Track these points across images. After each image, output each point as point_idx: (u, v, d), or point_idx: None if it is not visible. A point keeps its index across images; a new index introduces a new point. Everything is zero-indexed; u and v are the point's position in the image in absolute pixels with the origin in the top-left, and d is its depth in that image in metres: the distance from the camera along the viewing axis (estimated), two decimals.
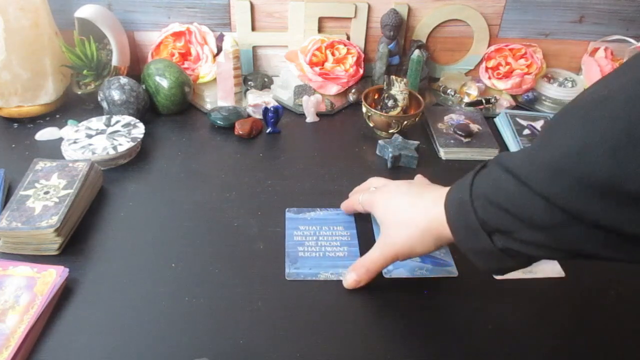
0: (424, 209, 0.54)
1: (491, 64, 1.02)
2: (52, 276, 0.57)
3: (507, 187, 0.43)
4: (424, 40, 1.03)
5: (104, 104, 0.86)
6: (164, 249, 0.65)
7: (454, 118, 0.92)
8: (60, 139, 0.82)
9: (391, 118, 0.85)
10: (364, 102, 0.87)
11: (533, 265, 0.64)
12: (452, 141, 0.86)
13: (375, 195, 0.62)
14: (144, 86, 0.90)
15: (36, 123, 0.87)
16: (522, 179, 0.41)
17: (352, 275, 0.59)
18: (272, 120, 0.87)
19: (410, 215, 0.55)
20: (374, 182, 0.69)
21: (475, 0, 0.99)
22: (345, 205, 0.70)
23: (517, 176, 0.42)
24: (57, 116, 0.90)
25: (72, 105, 0.93)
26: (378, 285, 0.61)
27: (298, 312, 0.57)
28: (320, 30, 1.01)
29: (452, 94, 1.00)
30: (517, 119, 0.92)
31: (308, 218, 0.70)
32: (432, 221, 0.52)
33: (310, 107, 0.92)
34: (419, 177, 0.70)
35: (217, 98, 0.95)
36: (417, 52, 0.93)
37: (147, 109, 0.89)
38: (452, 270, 0.64)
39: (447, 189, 0.52)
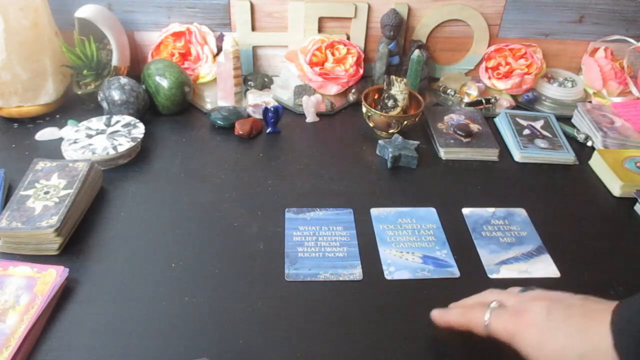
0: (596, 353, 0.42)
1: (491, 64, 1.02)
2: (52, 276, 0.57)
3: None
4: (424, 40, 1.03)
5: (104, 104, 0.86)
6: (164, 249, 0.65)
7: (454, 118, 0.92)
8: (60, 139, 0.82)
9: (391, 118, 0.85)
10: (364, 102, 0.87)
11: (529, 265, 0.65)
12: (452, 141, 0.86)
13: (518, 321, 0.47)
14: (144, 86, 0.90)
15: (36, 123, 0.87)
16: None
17: None
18: (272, 120, 0.87)
19: None
20: (493, 296, 0.53)
21: (475, 0, 0.99)
22: (449, 318, 0.54)
23: None
24: (57, 116, 0.90)
25: (72, 105, 0.93)
26: (379, 286, 0.61)
27: (298, 312, 0.57)
28: (320, 30, 1.01)
29: (452, 94, 1.00)
30: (517, 119, 0.92)
31: (308, 218, 0.70)
32: None
33: (310, 107, 0.92)
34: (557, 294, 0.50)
35: (217, 98, 0.95)
36: (417, 52, 0.93)
37: (147, 109, 0.89)
38: (454, 271, 0.64)
39: (607, 314, 0.42)
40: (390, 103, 0.87)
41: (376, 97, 0.92)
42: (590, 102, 1.01)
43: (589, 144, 0.89)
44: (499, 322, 0.49)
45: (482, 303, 0.52)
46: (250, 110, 0.92)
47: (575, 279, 0.63)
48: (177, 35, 0.98)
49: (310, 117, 0.93)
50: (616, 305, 0.43)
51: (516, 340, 0.47)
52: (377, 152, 0.84)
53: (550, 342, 0.45)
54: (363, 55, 1.01)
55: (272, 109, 0.86)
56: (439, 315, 0.55)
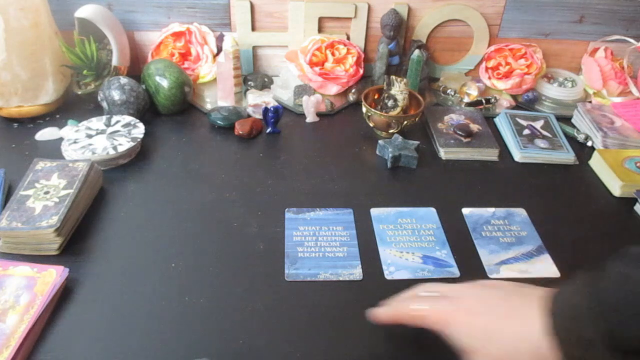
0: (528, 334, 0.42)
1: (491, 64, 1.02)
2: (52, 276, 0.57)
3: None
4: (424, 40, 1.03)
5: (104, 104, 0.86)
6: (164, 249, 0.65)
7: (454, 118, 0.92)
8: (60, 139, 0.82)
9: (391, 118, 0.85)
10: (364, 102, 0.87)
11: (529, 265, 0.65)
12: (452, 141, 0.86)
13: (448, 310, 0.47)
14: (144, 86, 0.90)
15: (36, 123, 0.87)
16: None
17: None
18: (272, 120, 0.87)
19: (512, 344, 0.43)
20: (429, 288, 0.52)
21: (476, 0, 0.99)
22: (388, 315, 0.52)
23: None
24: (57, 116, 0.90)
25: (72, 105, 0.93)
26: (379, 286, 0.61)
27: (298, 312, 0.57)
28: (320, 30, 1.01)
29: (452, 94, 1.00)
30: (517, 119, 0.92)
31: (308, 218, 0.70)
32: (540, 349, 0.41)
33: (310, 107, 0.92)
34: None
35: (217, 98, 0.95)
36: (417, 52, 0.93)
37: (147, 109, 0.89)
38: (454, 271, 0.64)
39: (541, 297, 0.43)
40: (390, 103, 0.87)
41: (376, 97, 0.91)
42: (590, 102, 1.01)
43: (589, 144, 0.89)
44: (432, 312, 0.48)
45: (414, 296, 0.52)
46: (250, 110, 0.92)
47: None
48: (177, 35, 0.98)
49: (310, 117, 0.93)
50: (550, 289, 0.43)
51: (450, 327, 0.47)
52: (377, 152, 0.84)
53: (480, 324, 0.45)
54: (363, 55, 1.01)
55: (272, 109, 0.86)
56: (377, 314, 0.53)
